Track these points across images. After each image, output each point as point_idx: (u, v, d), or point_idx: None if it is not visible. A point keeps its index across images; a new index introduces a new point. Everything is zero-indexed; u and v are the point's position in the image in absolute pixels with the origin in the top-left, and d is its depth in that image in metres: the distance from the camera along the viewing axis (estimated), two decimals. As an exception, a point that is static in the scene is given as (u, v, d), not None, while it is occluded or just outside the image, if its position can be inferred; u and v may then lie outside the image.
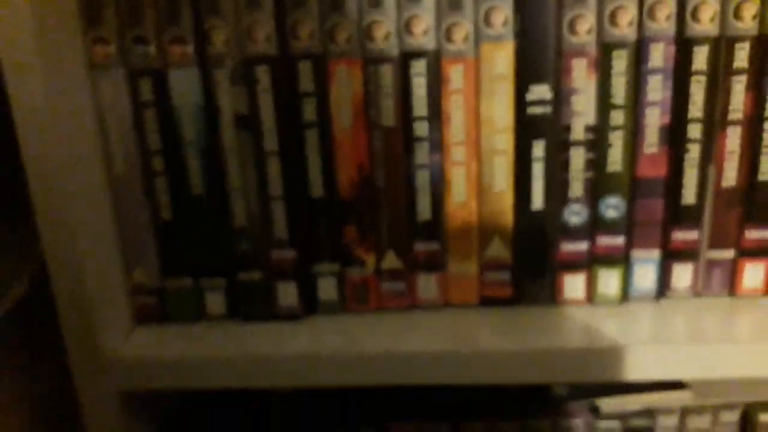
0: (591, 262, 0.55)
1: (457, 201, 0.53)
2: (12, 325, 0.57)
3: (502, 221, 0.54)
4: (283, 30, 0.50)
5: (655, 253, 0.54)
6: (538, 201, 0.53)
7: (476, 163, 0.52)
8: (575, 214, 0.53)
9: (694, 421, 0.61)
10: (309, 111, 0.51)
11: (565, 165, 0.52)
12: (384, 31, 0.49)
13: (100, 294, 0.52)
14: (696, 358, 0.50)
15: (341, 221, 0.54)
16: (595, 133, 0.51)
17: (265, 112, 0.51)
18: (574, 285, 0.55)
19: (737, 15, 0.49)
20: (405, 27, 0.49)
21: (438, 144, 0.52)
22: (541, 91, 0.50)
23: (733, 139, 0.51)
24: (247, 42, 0.50)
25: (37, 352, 0.60)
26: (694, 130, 0.51)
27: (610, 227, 0.54)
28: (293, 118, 0.51)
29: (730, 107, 0.51)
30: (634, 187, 0.53)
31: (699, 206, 0.53)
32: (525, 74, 0.50)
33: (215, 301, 0.56)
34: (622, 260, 0.54)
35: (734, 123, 0.51)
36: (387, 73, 0.50)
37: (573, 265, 0.55)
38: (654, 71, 0.50)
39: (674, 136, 0.51)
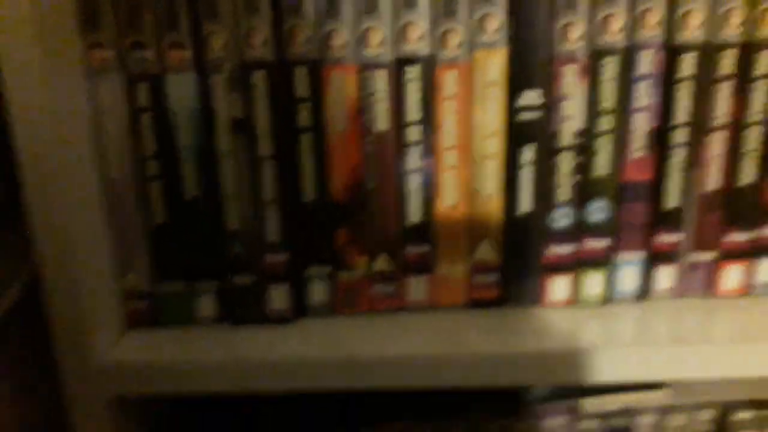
0: (576, 265, 0.55)
1: (447, 204, 0.54)
2: (3, 330, 0.56)
3: (490, 224, 0.54)
4: (280, 35, 0.50)
5: (639, 256, 0.55)
6: (526, 204, 0.54)
7: (467, 167, 0.53)
8: (562, 218, 0.54)
9: (672, 420, 0.62)
10: (304, 116, 0.52)
11: (554, 169, 0.53)
12: (379, 37, 0.50)
13: (92, 299, 0.52)
14: (677, 359, 0.51)
15: (334, 224, 0.54)
16: (583, 138, 0.52)
17: (261, 117, 0.51)
18: (559, 287, 0.56)
19: (724, 23, 0.50)
20: (400, 33, 0.50)
21: (430, 149, 0.53)
22: (532, 97, 0.51)
23: (717, 145, 0.53)
24: (244, 47, 0.50)
25: (27, 357, 0.60)
26: (680, 135, 0.52)
27: (596, 230, 0.55)
28: (288, 122, 0.52)
29: (715, 113, 0.52)
30: (620, 191, 0.54)
31: (682, 209, 0.54)
32: (517, 80, 0.51)
33: (206, 305, 0.56)
34: (606, 262, 0.55)
35: (719, 128, 0.52)
36: (381, 79, 0.51)
37: (559, 267, 0.55)
38: (642, 77, 0.51)
39: (660, 140, 0.53)
